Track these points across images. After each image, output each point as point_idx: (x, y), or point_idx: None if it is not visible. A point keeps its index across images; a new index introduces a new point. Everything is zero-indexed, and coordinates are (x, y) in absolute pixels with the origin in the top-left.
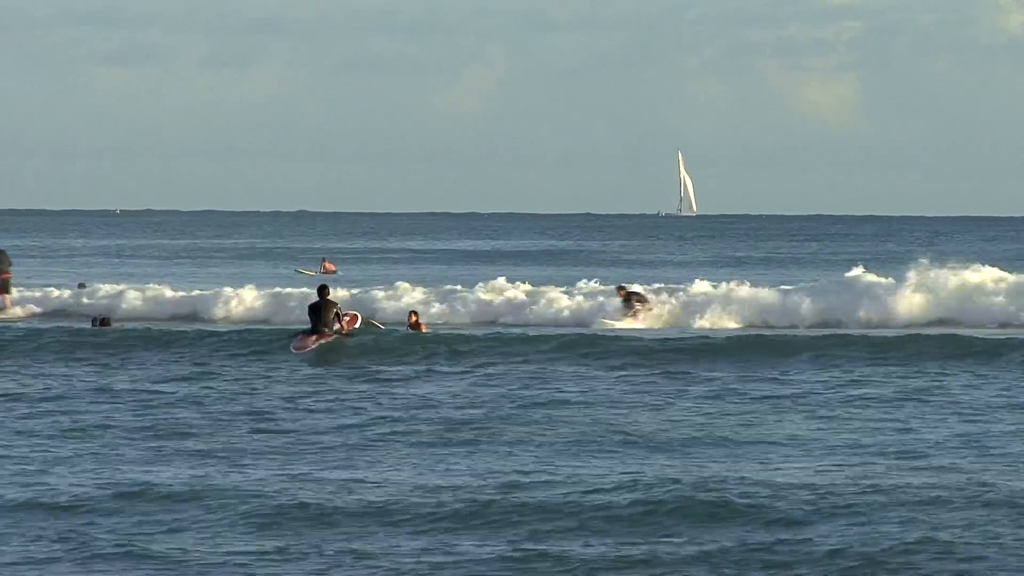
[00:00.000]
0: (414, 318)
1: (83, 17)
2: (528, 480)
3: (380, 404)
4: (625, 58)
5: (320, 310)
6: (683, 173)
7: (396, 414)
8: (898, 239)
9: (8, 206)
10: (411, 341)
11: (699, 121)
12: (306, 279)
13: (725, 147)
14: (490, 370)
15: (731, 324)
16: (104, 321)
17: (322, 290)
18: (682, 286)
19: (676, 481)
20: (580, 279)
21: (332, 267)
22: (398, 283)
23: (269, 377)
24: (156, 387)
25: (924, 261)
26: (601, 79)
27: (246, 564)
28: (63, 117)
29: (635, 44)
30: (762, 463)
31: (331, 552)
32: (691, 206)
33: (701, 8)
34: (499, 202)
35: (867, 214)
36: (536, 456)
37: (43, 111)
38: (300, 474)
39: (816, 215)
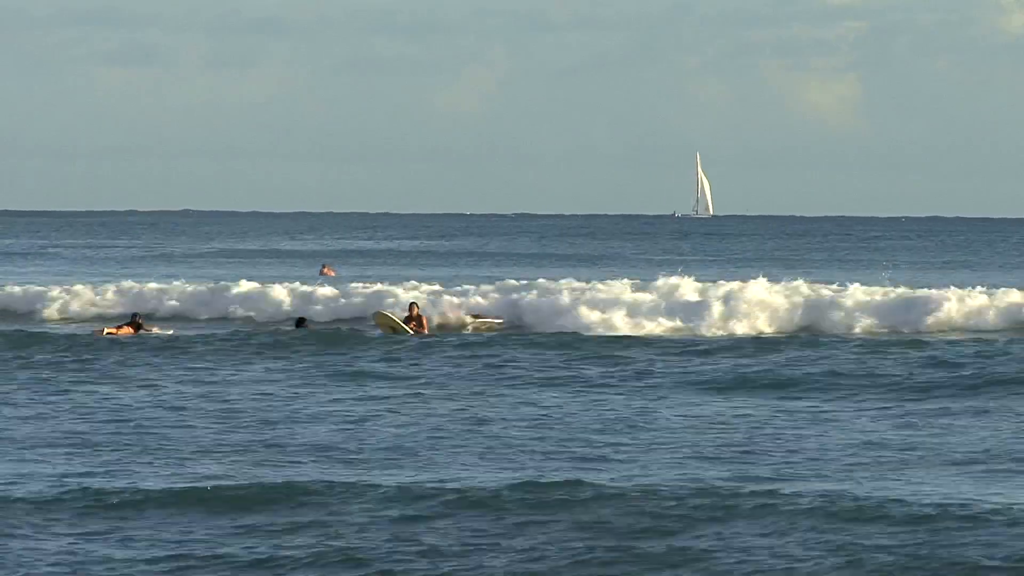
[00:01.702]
0: (415, 310)
1: (83, 17)
2: None
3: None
4: (625, 58)
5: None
6: (700, 174)
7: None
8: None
9: (8, 207)
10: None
11: (700, 121)
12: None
13: (726, 147)
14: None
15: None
16: (135, 317)
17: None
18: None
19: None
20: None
21: (331, 272)
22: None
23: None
24: None
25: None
26: (601, 79)
27: None
28: (63, 117)
29: (636, 44)
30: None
31: None
32: (707, 208)
33: (702, 8)
34: (500, 203)
35: (868, 215)
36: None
37: (43, 111)
38: None
39: (845, 216)
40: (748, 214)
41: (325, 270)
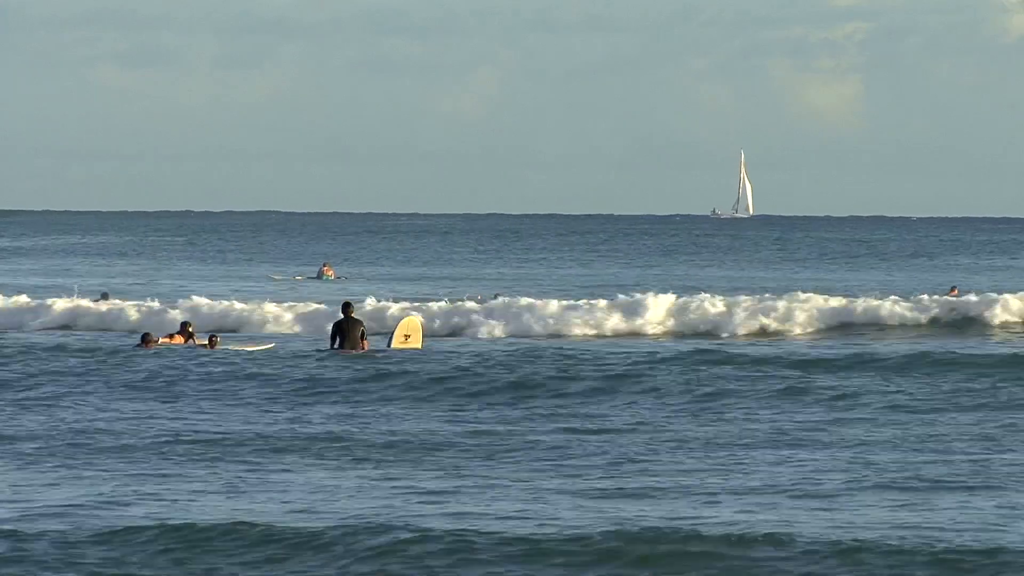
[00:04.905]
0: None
1: (94, 18)
2: None
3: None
4: (633, 60)
5: (346, 329)
6: (743, 174)
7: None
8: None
9: (12, 206)
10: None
11: (706, 122)
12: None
13: (731, 148)
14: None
15: None
16: (146, 337)
17: (346, 307)
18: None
19: None
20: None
21: (331, 272)
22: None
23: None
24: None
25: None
26: (609, 81)
27: None
28: (73, 118)
29: (643, 46)
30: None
31: None
32: (748, 207)
33: (709, 10)
34: (502, 203)
35: (874, 215)
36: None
37: (53, 112)
38: None
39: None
40: (785, 214)
41: (325, 270)
